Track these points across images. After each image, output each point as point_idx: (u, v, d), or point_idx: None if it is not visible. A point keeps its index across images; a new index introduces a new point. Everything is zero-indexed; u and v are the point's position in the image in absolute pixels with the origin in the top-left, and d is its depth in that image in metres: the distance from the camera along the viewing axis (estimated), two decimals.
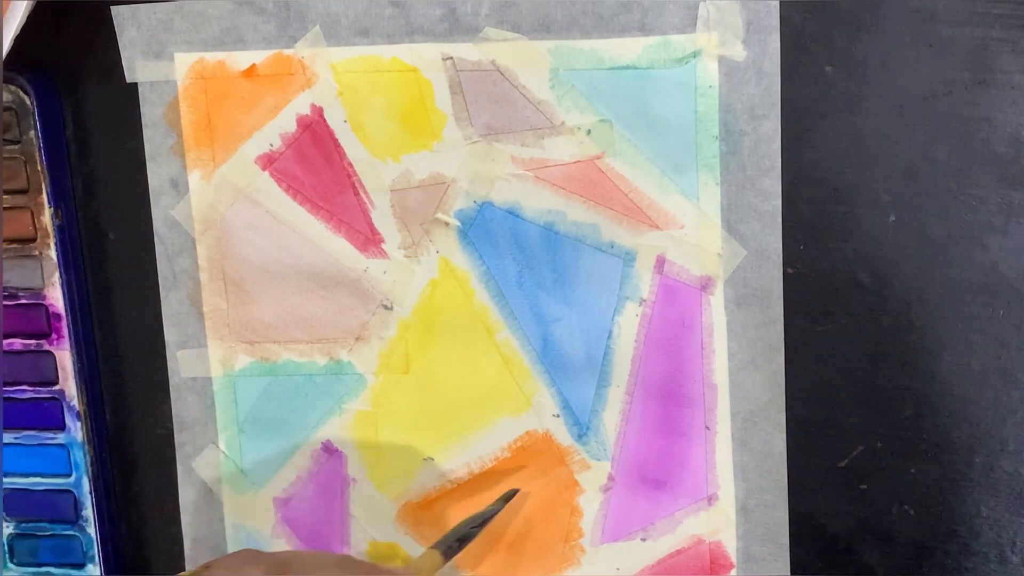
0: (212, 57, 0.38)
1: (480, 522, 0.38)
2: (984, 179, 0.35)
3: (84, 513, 0.41)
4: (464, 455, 0.39)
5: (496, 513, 0.38)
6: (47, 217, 0.39)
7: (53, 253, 0.39)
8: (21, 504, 0.41)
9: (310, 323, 0.39)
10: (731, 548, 0.38)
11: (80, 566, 0.41)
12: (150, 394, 0.41)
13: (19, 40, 0.36)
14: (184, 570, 0.41)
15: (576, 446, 0.39)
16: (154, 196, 0.39)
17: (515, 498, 0.39)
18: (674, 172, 0.36)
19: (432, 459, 0.40)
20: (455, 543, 0.37)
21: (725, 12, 0.35)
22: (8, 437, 0.41)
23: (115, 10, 0.38)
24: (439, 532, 0.39)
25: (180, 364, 0.40)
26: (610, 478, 0.39)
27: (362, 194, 0.38)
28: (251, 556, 0.32)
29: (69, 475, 0.41)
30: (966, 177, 0.35)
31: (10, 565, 0.41)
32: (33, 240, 0.39)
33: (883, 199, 0.35)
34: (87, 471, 0.40)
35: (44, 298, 0.40)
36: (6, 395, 0.40)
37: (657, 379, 0.38)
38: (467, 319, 0.38)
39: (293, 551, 0.37)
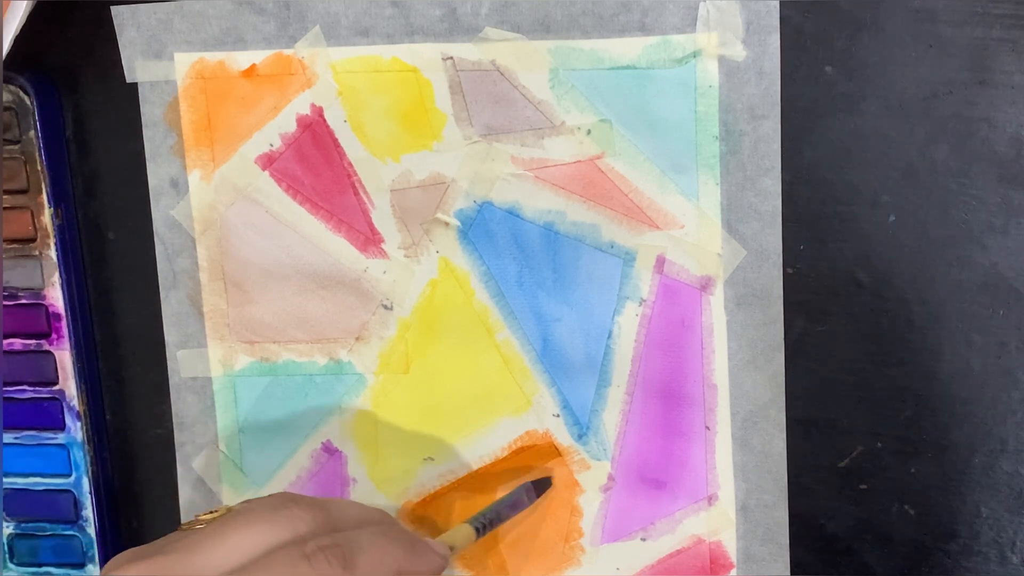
0: (212, 57, 0.38)
1: (514, 507, 0.38)
2: (984, 179, 0.35)
3: (84, 513, 0.41)
4: (464, 455, 0.39)
5: (530, 504, 0.38)
6: (47, 217, 0.39)
7: (53, 253, 0.39)
8: (21, 504, 0.41)
9: (310, 323, 0.39)
10: (731, 548, 0.38)
11: (80, 566, 0.41)
12: (150, 394, 0.41)
13: (19, 40, 0.36)
14: None
15: (576, 446, 0.39)
16: (154, 196, 0.39)
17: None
18: (674, 172, 0.36)
19: (432, 459, 0.40)
20: (488, 522, 0.37)
21: (725, 12, 0.35)
22: (8, 437, 0.41)
23: (115, 10, 0.38)
24: (439, 532, 0.39)
25: (180, 364, 0.40)
26: (610, 478, 0.39)
27: (362, 194, 0.38)
28: (290, 497, 0.31)
29: (69, 475, 0.41)
30: (966, 177, 0.35)
31: (10, 565, 0.41)
32: (33, 240, 0.39)
33: (883, 199, 0.35)
34: (87, 471, 0.40)
35: (44, 298, 0.40)
36: (6, 395, 0.40)
37: (657, 379, 0.38)
38: (467, 319, 0.38)
39: (326, 497, 0.36)
